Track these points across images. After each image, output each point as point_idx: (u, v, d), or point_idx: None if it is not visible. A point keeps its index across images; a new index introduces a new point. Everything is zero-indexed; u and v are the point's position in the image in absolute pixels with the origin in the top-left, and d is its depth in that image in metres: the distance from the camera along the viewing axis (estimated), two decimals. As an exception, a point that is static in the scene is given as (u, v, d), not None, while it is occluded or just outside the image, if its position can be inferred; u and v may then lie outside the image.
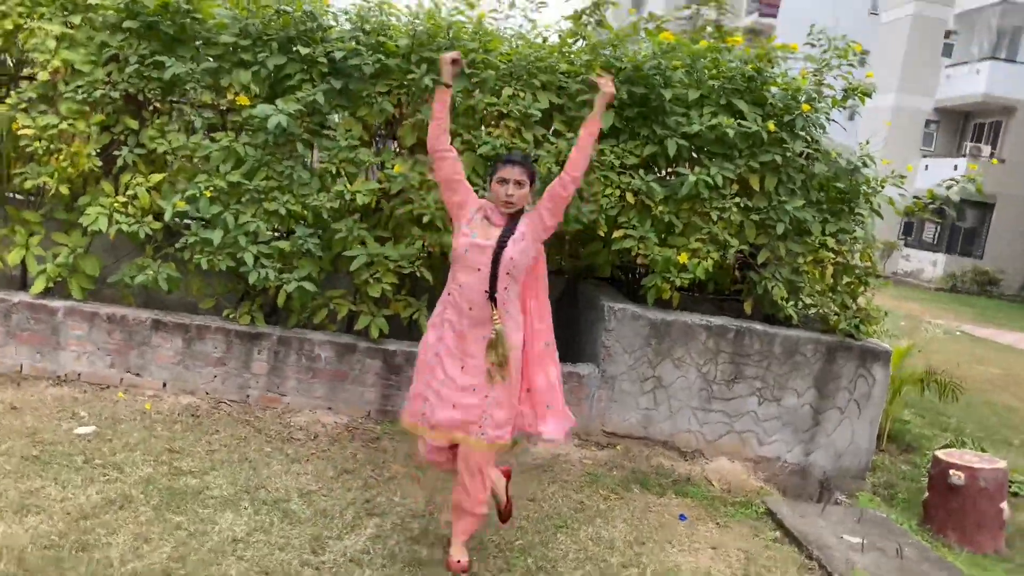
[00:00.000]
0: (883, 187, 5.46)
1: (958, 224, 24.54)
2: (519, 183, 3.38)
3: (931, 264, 25.17)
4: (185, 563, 3.14)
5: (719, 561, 3.98)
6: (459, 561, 3.43)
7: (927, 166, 24.51)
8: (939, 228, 25.59)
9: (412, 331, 5.15)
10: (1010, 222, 24.02)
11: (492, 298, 3.37)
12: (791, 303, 5.25)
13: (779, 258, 5.28)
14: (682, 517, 4.43)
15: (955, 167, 22.74)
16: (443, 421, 3.36)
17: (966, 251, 24.93)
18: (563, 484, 4.57)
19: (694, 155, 5.34)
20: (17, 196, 5.30)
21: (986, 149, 24.77)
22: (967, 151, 25.26)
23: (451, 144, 3.54)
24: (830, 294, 5.43)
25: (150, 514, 3.48)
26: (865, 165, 5.35)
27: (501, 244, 3.36)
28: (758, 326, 5.26)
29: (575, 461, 4.91)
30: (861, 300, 5.48)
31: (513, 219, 3.44)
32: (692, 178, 4.98)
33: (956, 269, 23.97)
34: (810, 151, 5.30)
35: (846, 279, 5.41)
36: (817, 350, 5.24)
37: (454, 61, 3.46)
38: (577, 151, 3.44)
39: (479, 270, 3.36)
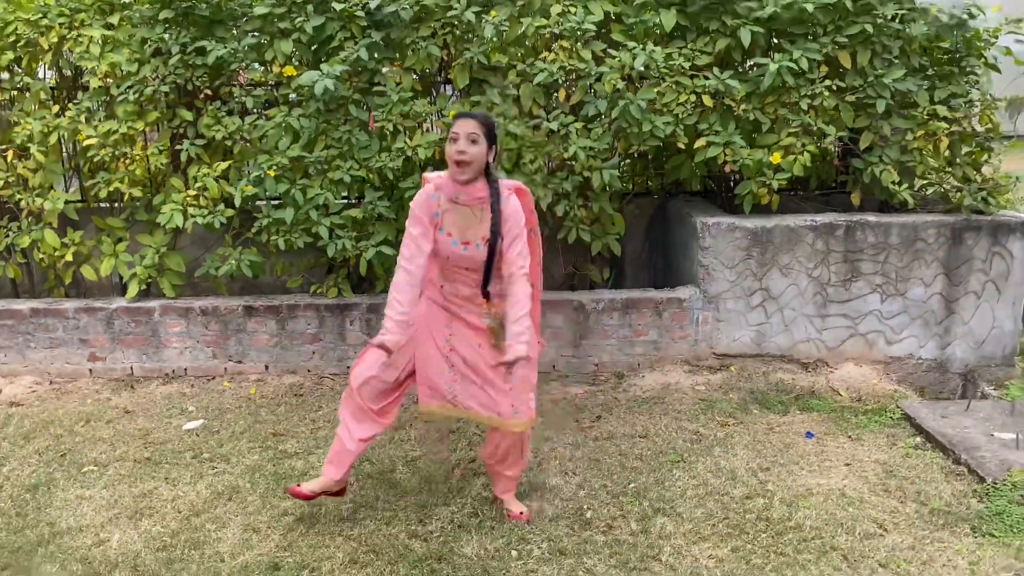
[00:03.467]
0: (997, 38, 4.81)
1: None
2: (472, 138, 2.94)
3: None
4: (293, 550, 3.12)
5: (854, 477, 3.67)
6: (521, 512, 3.33)
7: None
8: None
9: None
10: None
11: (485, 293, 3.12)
12: (904, 186, 4.74)
13: (884, 138, 4.76)
14: (809, 435, 4.13)
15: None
16: (474, 407, 3.17)
17: (1109, 92, 22.52)
18: (676, 415, 4.34)
19: (773, 41, 4.85)
20: (103, 206, 5.40)
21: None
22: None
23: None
24: (948, 169, 4.88)
25: (258, 503, 3.48)
26: (972, 16, 4.71)
27: (493, 242, 3.03)
28: (870, 217, 4.79)
29: (686, 389, 4.65)
30: (986, 169, 4.90)
31: (492, 197, 3.03)
32: (773, 67, 4.50)
33: (1099, 114, 21.71)
34: (904, 12, 4.69)
35: (965, 149, 4.83)
36: (941, 233, 4.73)
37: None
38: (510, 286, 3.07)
39: (467, 270, 3.10)
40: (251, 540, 3.20)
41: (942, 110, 4.67)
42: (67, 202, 4.95)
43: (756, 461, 3.83)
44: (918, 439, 4.04)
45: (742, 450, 3.95)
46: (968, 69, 4.84)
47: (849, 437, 4.10)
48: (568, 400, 4.55)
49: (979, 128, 4.82)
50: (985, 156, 4.86)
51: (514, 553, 3.10)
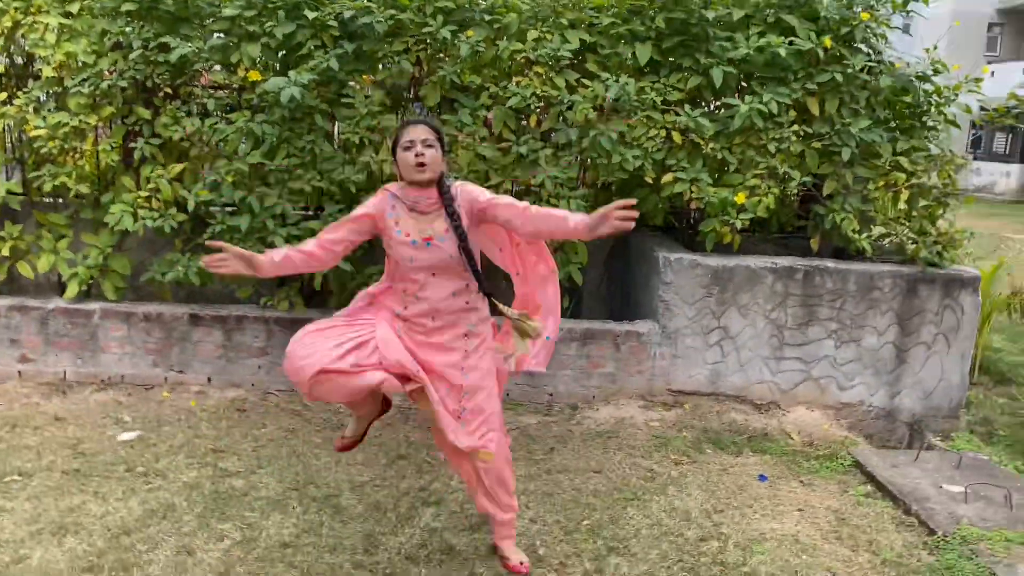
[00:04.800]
0: (957, 95, 4.93)
1: (1030, 130, 23.10)
2: (428, 143, 2.85)
3: (1004, 176, 23.84)
4: (230, 576, 2.96)
5: (807, 523, 3.65)
6: (521, 563, 3.14)
7: (993, 72, 22.91)
8: (1010, 137, 24.16)
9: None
10: (1088, 122, 22.50)
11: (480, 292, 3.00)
12: (863, 235, 4.80)
13: (846, 187, 4.83)
14: (762, 477, 4.10)
15: (1024, 70, 21.32)
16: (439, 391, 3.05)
17: (1040, 158, 23.52)
18: (630, 451, 4.28)
19: (744, 83, 4.89)
20: (46, 201, 5.15)
21: (1058, 47, 23.21)
22: (1037, 52, 23.70)
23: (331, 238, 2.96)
24: (906, 221, 4.96)
25: (194, 523, 3.30)
26: (936, 72, 4.82)
27: (462, 236, 2.88)
28: (829, 263, 4.83)
29: (641, 424, 4.61)
30: (942, 223, 5.00)
31: (445, 198, 2.91)
32: (744, 108, 4.54)
33: (1031, 178, 22.66)
34: (872, 64, 4.79)
35: (923, 202, 4.92)
36: (896, 284, 4.80)
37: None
38: (543, 223, 2.91)
39: (438, 274, 2.91)
40: (185, 563, 3.02)
41: (904, 162, 4.76)
42: (9, 192, 4.69)
43: (710, 502, 3.78)
44: (869, 487, 4.05)
45: (696, 490, 3.90)
46: (928, 124, 4.95)
47: (801, 482, 4.09)
48: (520, 430, 4.46)
49: (936, 183, 4.92)
50: (941, 210, 4.95)
51: (464, 589, 2.98)
